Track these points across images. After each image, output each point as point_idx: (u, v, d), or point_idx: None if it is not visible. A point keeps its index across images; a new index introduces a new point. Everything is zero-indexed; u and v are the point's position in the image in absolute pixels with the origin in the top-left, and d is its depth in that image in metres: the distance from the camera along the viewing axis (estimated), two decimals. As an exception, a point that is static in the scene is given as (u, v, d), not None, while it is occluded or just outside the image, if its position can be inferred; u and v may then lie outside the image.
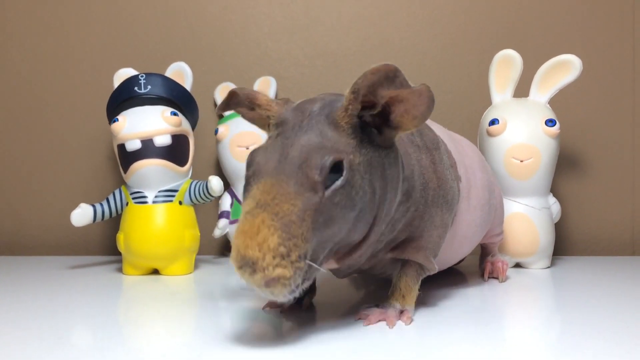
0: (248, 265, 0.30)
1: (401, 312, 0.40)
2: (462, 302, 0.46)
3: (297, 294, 0.32)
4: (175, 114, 0.59)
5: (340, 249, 0.35)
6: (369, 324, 0.39)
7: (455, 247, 0.48)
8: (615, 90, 0.76)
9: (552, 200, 0.65)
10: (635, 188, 0.76)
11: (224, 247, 0.77)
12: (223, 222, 0.68)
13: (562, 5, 0.77)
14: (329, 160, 0.32)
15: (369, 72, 0.33)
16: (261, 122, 0.41)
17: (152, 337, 0.37)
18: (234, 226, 0.69)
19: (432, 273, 0.42)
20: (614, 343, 0.34)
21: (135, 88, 0.60)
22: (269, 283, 0.31)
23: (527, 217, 0.62)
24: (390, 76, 0.32)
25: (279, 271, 0.31)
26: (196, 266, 0.64)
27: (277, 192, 0.32)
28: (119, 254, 0.63)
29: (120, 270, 0.63)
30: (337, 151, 0.33)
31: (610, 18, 0.76)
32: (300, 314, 0.42)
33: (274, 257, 0.30)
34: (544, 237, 0.62)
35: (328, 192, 0.32)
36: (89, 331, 0.39)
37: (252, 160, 0.35)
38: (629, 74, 0.76)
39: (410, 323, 0.39)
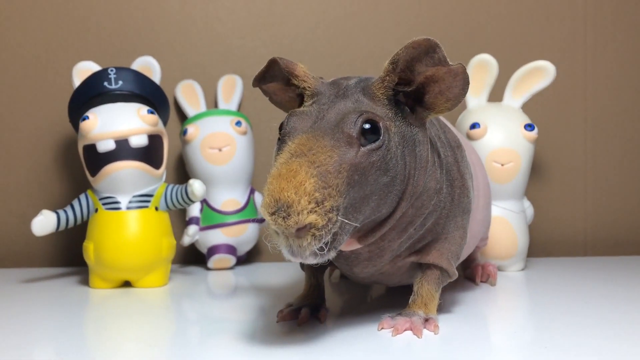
0: (282, 210, 0.30)
1: (426, 320, 0.39)
2: (463, 308, 0.46)
3: (322, 259, 0.32)
4: (152, 112, 0.55)
5: (365, 225, 0.35)
6: (397, 334, 0.37)
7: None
8: (568, 95, 0.79)
9: (526, 203, 0.66)
10: (587, 191, 0.80)
11: (192, 256, 0.73)
12: (193, 228, 0.64)
13: (526, 11, 0.79)
14: (365, 116, 0.33)
15: (410, 44, 0.34)
16: (290, 105, 0.41)
17: (127, 359, 0.33)
18: (205, 233, 0.65)
19: (452, 279, 0.42)
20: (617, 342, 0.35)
21: (105, 83, 0.55)
22: (300, 232, 0.30)
23: (506, 220, 0.62)
24: (430, 52, 0.34)
25: (312, 217, 0.30)
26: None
27: (313, 145, 0.32)
28: (82, 264, 0.57)
29: (85, 282, 0.57)
30: (374, 114, 0.34)
31: (562, 24, 0.79)
32: (316, 325, 0.40)
33: (309, 202, 0.30)
34: (522, 240, 0.63)
35: (365, 149, 0.33)
36: (52, 352, 0.35)
37: (287, 122, 0.35)
38: (581, 80, 0.79)
39: (438, 332, 0.38)
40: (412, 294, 0.41)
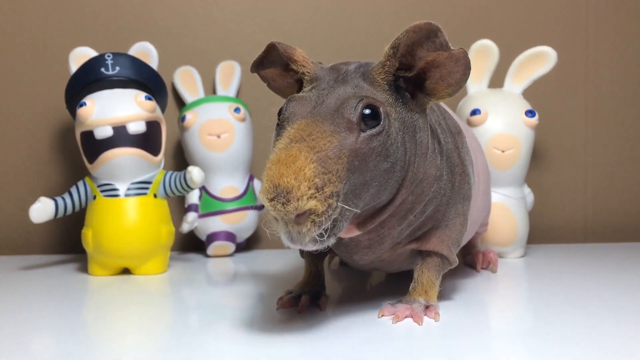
0: (281, 195, 0.30)
1: (426, 307, 0.39)
2: (464, 295, 0.46)
3: (321, 245, 0.31)
4: (149, 99, 0.54)
5: (364, 212, 0.35)
6: (398, 321, 0.37)
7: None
8: (569, 81, 0.79)
9: (527, 190, 0.66)
10: (587, 178, 0.79)
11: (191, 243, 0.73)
12: (192, 215, 0.64)
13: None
14: (365, 101, 0.33)
15: (411, 29, 0.33)
16: (288, 91, 0.41)
17: (127, 347, 0.33)
18: (204, 220, 0.65)
19: (453, 266, 0.41)
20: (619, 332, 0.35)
21: (102, 69, 0.54)
22: (300, 218, 0.30)
23: (506, 207, 0.62)
24: (432, 36, 0.33)
25: (312, 203, 0.30)
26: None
27: (312, 130, 0.32)
28: (81, 251, 0.57)
29: (84, 270, 0.57)
30: (374, 99, 0.33)
31: (564, 9, 0.78)
32: (316, 313, 0.40)
33: (309, 188, 0.30)
34: (521, 226, 0.63)
35: (365, 135, 0.32)
36: (52, 340, 0.35)
37: (286, 107, 0.35)
38: (582, 66, 0.79)
39: (438, 319, 0.38)
40: (413, 281, 0.40)
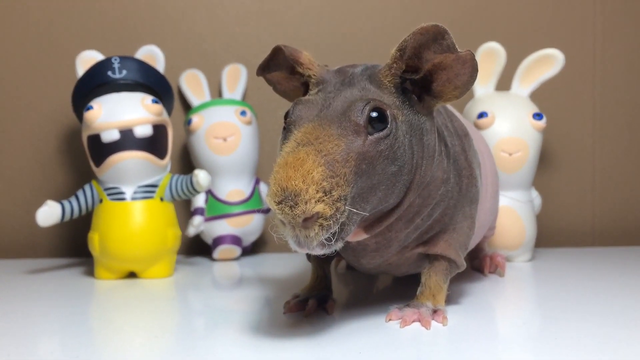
0: (289, 199, 0.29)
1: (434, 311, 0.38)
2: (472, 299, 0.45)
3: (329, 250, 0.31)
4: (156, 102, 0.54)
5: (372, 215, 0.34)
6: (405, 326, 0.37)
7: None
8: (577, 84, 0.78)
9: (534, 193, 0.65)
10: (595, 181, 0.79)
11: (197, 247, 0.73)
12: (198, 219, 0.64)
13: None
14: (372, 104, 0.33)
15: (418, 31, 0.33)
16: (294, 94, 0.41)
17: (133, 350, 0.33)
18: (210, 224, 0.65)
19: (461, 270, 0.41)
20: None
21: (109, 73, 0.54)
22: (307, 221, 0.30)
23: (514, 210, 0.62)
24: (439, 38, 0.33)
25: (320, 207, 0.29)
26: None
27: (320, 133, 0.32)
28: (87, 255, 0.57)
29: (90, 273, 0.57)
30: (381, 102, 0.33)
31: (571, 11, 0.78)
32: (323, 317, 0.39)
33: (317, 191, 0.29)
34: (529, 230, 0.62)
35: (372, 138, 0.32)
36: (58, 344, 0.35)
37: (292, 110, 0.34)
38: (589, 68, 0.78)
39: (446, 323, 0.37)
40: (420, 285, 0.40)
